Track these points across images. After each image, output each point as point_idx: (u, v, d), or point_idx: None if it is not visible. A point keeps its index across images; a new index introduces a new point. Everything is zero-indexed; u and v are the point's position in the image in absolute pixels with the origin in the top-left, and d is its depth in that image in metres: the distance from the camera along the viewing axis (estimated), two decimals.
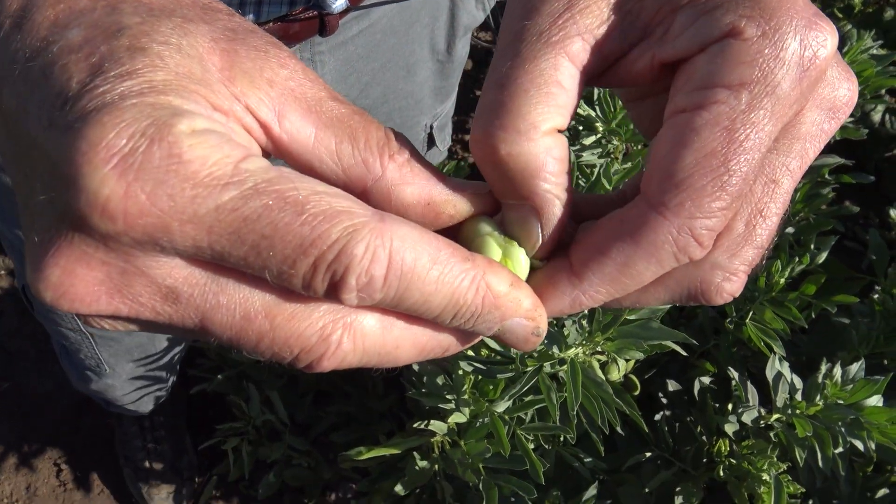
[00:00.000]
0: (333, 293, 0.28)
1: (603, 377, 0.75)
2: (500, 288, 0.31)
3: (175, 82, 0.28)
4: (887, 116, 1.91)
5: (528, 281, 0.34)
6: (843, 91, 0.33)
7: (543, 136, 0.32)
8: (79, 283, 0.28)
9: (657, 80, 0.33)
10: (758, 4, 0.30)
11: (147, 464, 1.71)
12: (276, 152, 0.32)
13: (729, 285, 0.34)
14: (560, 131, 0.33)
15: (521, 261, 0.34)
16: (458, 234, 0.35)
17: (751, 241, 0.33)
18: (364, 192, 0.32)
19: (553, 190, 0.33)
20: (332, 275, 0.28)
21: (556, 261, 0.34)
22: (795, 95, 0.30)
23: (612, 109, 1.02)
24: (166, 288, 0.29)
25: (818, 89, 0.32)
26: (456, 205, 0.33)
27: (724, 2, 0.31)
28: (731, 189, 0.30)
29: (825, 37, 0.30)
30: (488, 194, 0.34)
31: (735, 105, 0.30)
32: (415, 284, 0.29)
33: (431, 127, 1.07)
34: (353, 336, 0.31)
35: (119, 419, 1.74)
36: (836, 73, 0.33)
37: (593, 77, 0.34)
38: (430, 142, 1.09)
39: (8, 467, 1.78)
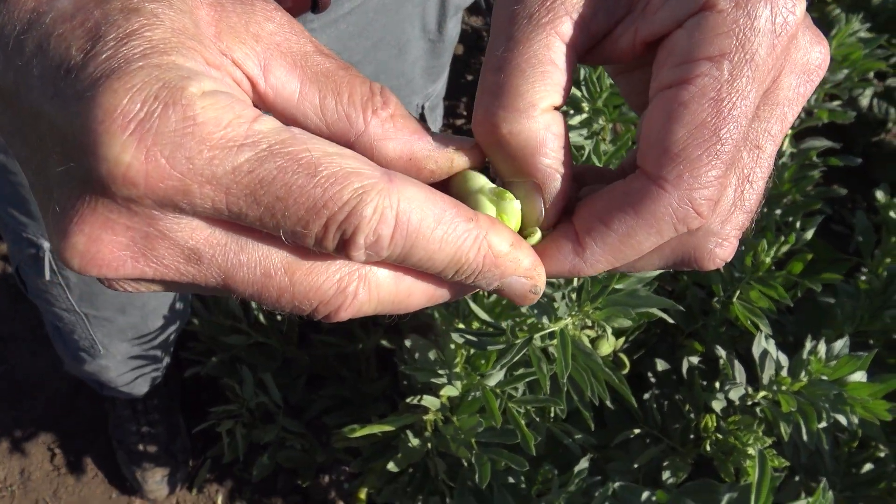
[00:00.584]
0: (343, 250, 0.30)
1: (592, 349, 0.76)
2: (502, 247, 0.32)
3: (174, 40, 0.29)
4: (875, 100, 1.93)
5: (532, 243, 0.35)
6: (815, 54, 0.34)
7: (542, 113, 0.33)
8: (105, 249, 0.29)
9: (641, 56, 0.35)
10: None
11: (141, 447, 1.71)
12: (263, 106, 0.33)
13: (721, 251, 0.35)
14: (557, 108, 0.34)
15: (515, 212, 0.35)
16: (449, 188, 0.36)
17: (740, 206, 0.34)
18: (348, 147, 0.32)
19: (553, 164, 0.34)
20: (343, 234, 0.29)
21: (560, 227, 0.35)
22: (772, 61, 0.32)
23: (598, 89, 1.03)
24: (189, 249, 0.30)
25: (792, 54, 0.33)
26: (437, 160, 0.34)
27: None
28: (724, 157, 0.31)
29: (794, 2, 0.32)
30: (473, 148, 0.35)
31: (718, 76, 0.31)
32: (420, 243, 0.30)
33: (423, 107, 1.08)
34: (368, 287, 0.32)
35: (113, 403, 1.74)
36: (808, 37, 0.34)
37: (582, 54, 0.35)
38: (422, 122, 1.10)
39: (1, 452, 1.79)
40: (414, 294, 0.34)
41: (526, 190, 0.35)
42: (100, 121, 0.27)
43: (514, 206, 0.35)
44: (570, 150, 0.35)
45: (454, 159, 0.34)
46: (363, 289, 0.32)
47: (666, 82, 0.32)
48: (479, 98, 0.34)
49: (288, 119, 0.33)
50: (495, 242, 0.32)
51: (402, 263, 0.31)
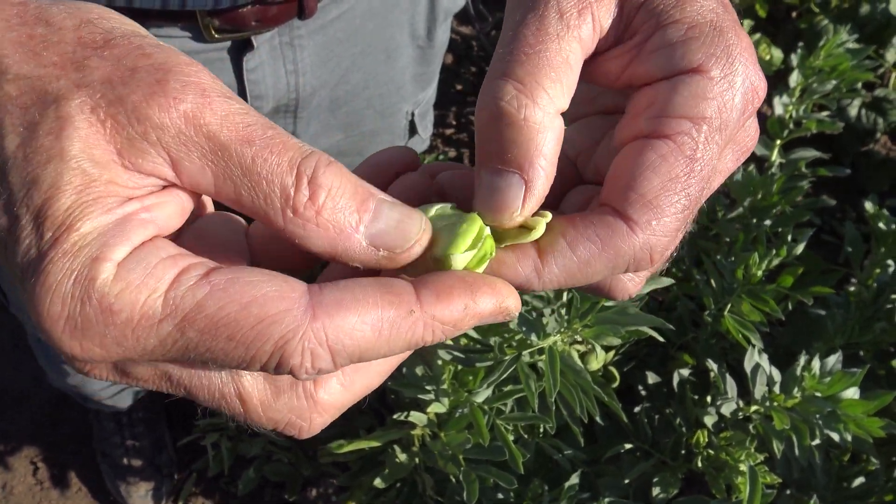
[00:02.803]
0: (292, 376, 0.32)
1: (582, 366, 0.75)
2: (454, 316, 0.32)
3: (78, 203, 0.29)
4: (863, 111, 1.94)
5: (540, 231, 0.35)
6: (751, 140, 0.38)
7: (556, 114, 0.34)
8: (91, 370, 0.32)
9: (614, 86, 0.37)
10: (726, 48, 0.34)
11: (125, 461, 1.69)
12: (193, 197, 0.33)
13: (633, 287, 0.39)
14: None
15: (484, 239, 0.35)
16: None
17: (664, 259, 0.38)
18: (273, 234, 0.33)
19: (547, 168, 0.34)
20: (281, 372, 0.31)
21: (521, 246, 0.35)
22: (733, 131, 0.35)
23: None
24: (160, 372, 0.33)
25: (739, 133, 0.36)
26: (363, 261, 0.33)
27: (701, 36, 0.34)
28: (686, 213, 0.34)
29: (762, 90, 0.35)
30: (409, 251, 0.34)
31: (696, 137, 0.34)
32: (368, 354, 0.31)
33: (413, 114, 1.07)
34: (321, 410, 0.35)
35: (97, 416, 1.72)
36: (755, 123, 0.37)
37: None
38: (412, 129, 1.09)
39: None
40: (371, 384, 0.36)
41: (509, 182, 0.35)
42: (37, 315, 0.30)
43: (484, 232, 0.35)
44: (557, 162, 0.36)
45: (380, 264, 0.33)
46: (316, 415, 0.34)
47: (644, 131, 0.34)
48: (498, 75, 0.34)
49: (206, 225, 0.35)
50: (447, 316, 0.32)
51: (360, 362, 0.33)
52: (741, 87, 0.34)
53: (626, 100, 0.38)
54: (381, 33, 0.90)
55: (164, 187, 0.32)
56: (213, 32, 0.75)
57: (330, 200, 0.32)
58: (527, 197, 0.34)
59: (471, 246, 0.34)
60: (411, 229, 0.33)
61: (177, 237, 0.35)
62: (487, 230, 0.35)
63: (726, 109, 0.34)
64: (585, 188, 0.40)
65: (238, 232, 0.37)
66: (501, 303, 0.33)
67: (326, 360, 0.30)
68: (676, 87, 0.34)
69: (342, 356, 0.30)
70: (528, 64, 0.34)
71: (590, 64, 0.36)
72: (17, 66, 0.30)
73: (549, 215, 0.35)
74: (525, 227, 0.35)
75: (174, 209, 0.32)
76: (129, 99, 0.30)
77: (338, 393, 0.35)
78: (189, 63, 0.32)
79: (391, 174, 0.39)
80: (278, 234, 0.32)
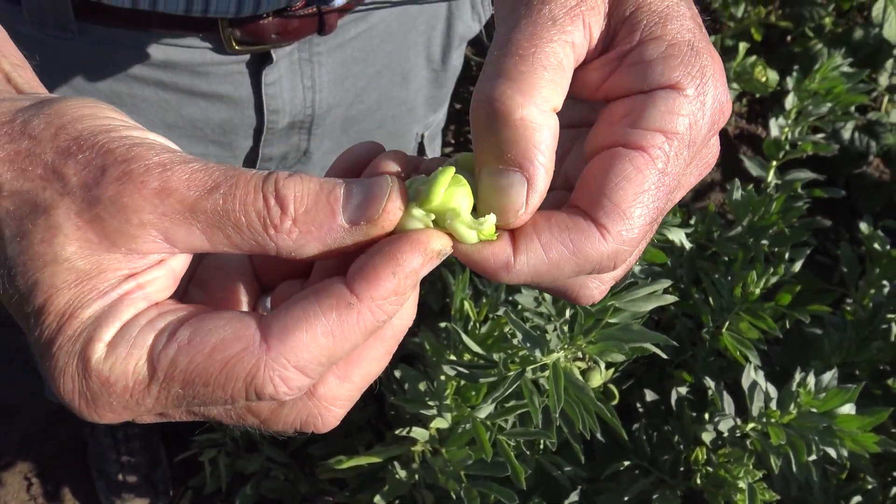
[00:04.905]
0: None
1: (584, 382, 0.76)
2: (389, 288, 0.34)
3: (76, 297, 0.34)
4: (856, 134, 1.96)
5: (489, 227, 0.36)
6: (712, 157, 0.39)
7: (551, 113, 0.35)
8: (122, 419, 0.36)
9: (595, 97, 0.38)
10: (701, 69, 0.36)
11: (121, 477, 1.68)
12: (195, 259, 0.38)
13: (598, 293, 0.41)
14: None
15: (458, 190, 0.36)
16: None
17: (626, 266, 0.40)
18: (274, 258, 0.36)
19: (546, 164, 0.36)
20: (263, 399, 0.34)
21: (502, 235, 0.37)
22: (699, 147, 0.37)
23: None
24: (185, 409, 0.36)
25: (703, 150, 0.38)
26: (356, 239, 0.35)
27: (680, 54, 0.36)
28: (654, 224, 0.36)
29: (728, 110, 0.37)
30: (385, 213, 0.35)
31: (668, 150, 0.36)
32: (334, 355, 0.34)
33: (423, 136, 1.08)
34: (329, 405, 0.37)
35: (92, 431, 1.71)
36: (717, 141, 0.39)
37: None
38: (421, 151, 1.10)
39: None
40: (369, 376, 0.38)
41: (510, 181, 0.36)
42: (57, 391, 0.35)
43: (446, 185, 0.36)
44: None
45: (369, 234, 0.35)
46: (325, 411, 0.37)
47: (622, 140, 0.36)
48: (493, 77, 0.36)
49: (217, 260, 0.39)
50: (383, 293, 0.34)
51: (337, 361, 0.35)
52: (711, 106, 0.36)
53: (593, 114, 0.40)
54: (398, 55, 0.92)
55: (160, 260, 0.36)
56: (234, 44, 0.76)
57: (300, 205, 0.35)
58: (529, 194, 0.36)
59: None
60: (379, 192, 0.35)
61: (193, 269, 0.40)
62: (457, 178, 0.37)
63: (696, 126, 0.36)
64: (554, 194, 0.41)
65: (242, 256, 0.41)
66: (426, 250, 0.35)
67: (299, 378, 0.34)
68: (654, 100, 0.36)
69: (311, 368, 0.34)
70: (523, 64, 0.35)
71: (576, 74, 0.38)
72: (9, 183, 0.35)
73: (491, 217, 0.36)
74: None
75: (166, 280, 0.36)
76: (104, 196, 0.34)
77: (336, 386, 0.37)
78: (150, 146, 0.35)
79: (361, 167, 0.41)
80: (276, 255, 0.35)
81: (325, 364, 0.34)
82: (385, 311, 0.34)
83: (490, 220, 0.36)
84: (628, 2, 0.37)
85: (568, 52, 0.36)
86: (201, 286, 0.41)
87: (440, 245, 0.35)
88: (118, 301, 0.34)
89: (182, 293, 0.40)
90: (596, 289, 0.40)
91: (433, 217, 0.36)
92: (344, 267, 0.36)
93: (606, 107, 0.38)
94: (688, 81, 0.36)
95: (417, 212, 0.36)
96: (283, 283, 0.40)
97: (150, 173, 0.34)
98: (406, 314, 0.38)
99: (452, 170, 0.36)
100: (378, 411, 1.59)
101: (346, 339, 0.34)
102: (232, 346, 0.33)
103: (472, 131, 0.37)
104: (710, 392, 1.12)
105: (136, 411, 0.35)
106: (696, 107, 0.36)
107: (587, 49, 0.38)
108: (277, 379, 0.33)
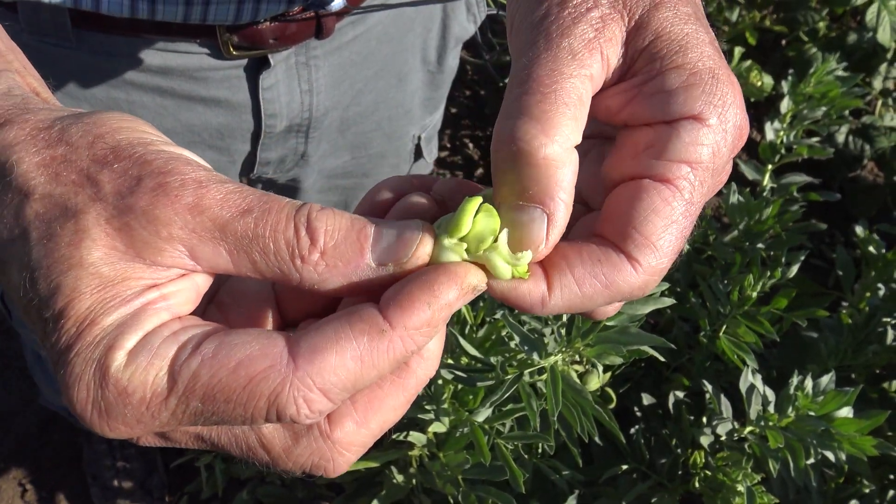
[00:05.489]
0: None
1: (582, 385, 0.76)
2: (424, 319, 0.34)
3: (98, 302, 0.33)
4: (850, 137, 1.97)
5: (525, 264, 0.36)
6: (725, 175, 0.40)
7: (572, 149, 0.36)
8: (127, 433, 0.35)
9: (615, 121, 0.39)
10: (723, 97, 0.37)
11: (116, 483, 1.67)
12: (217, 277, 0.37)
13: (611, 311, 0.42)
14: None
15: (488, 223, 0.36)
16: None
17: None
18: (295, 289, 0.36)
19: (567, 200, 0.36)
20: (283, 420, 0.33)
21: (534, 269, 0.37)
22: (720, 171, 0.38)
23: None
24: (192, 434, 0.36)
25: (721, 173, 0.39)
26: (381, 283, 0.35)
27: (702, 83, 0.36)
28: (678, 251, 0.37)
29: (745, 135, 0.38)
30: (415, 256, 0.36)
31: (693, 181, 0.36)
32: (359, 383, 0.33)
33: (419, 138, 1.08)
34: (342, 449, 0.37)
35: (87, 437, 1.70)
36: (731, 163, 0.40)
37: None
38: (418, 153, 1.10)
39: None
40: (386, 424, 0.38)
41: (532, 217, 0.36)
42: (69, 401, 0.34)
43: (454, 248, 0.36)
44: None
45: (394, 276, 0.35)
46: (338, 454, 0.37)
47: (648, 172, 0.36)
48: (516, 115, 0.36)
49: (241, 285, 0.38)
50: (416, 323, 0.34)
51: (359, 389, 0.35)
52: (732, 133, 0.37)
53: (601, 126, 0.41)
54: (395, 57, 0.92)
55: (183, 275, 0.35)
56: (231, 49, 0.76)
57: (330, 239, 0.35)
58: (549, 230, 0.36)
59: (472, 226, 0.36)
60: (411, 237, 0.35)
61: (215, 290, 0.40)
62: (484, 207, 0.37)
63: (719, 154, 0.36)
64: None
65: (265, 283, 0.40)
66: (463, 284, 0.35)
67: (321, 401, 0.33)
68: (678, 132, 0.36)
69: (335, 392, 0.33)
70: (545, 103, 0.35)
71: (593, 98, 0.38)
72: (41, 186, 0.35)
73: (528, 255, 0.36)
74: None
75: (189, 294, 0.36)
76: (137, 206, 0.34)
77: (353, 432, 0.36)
78: (187, 162, 0.36)
79: (388, 205, 0.41)
80: (297, 286, 0.35)
81: (350, 390, 0.33)
82: (416, 341, 0.34)
83: (526, 257, 0.36)
84: (647, 30, 0.37)
85: (587, 85, 0.36)
86: (221, 309, 0.40)
87: (476, 280, 0.35)
88: (141, 310, 0.34)
89: (201, 312, 0.39)
90: (612, 307, 0.41)
91: (466, 247, 0.36)
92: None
93: (626, 133, 0.38)
94: (710, 111, 0.36)
95: (449, 241, 0.36)
96: (306, 320, 0.40)
97: (186, 188, 0.34)
98: (430, 365, 0.38)
99: (479, 199, 0.36)
100: None
101: (374, 367, 0.33)
102: (258, 362, 0.33)
103: (493, 168, 0.37)
104: (707, 395, 1.12)
105: (150, 426, 0.34)
106: (720, 136, 0.36)
107: (605, 78, 0.38)
108: (301, 400, 0.32)
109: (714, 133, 0.36)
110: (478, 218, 0.36)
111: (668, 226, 0.36)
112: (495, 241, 0.36)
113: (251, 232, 0.34)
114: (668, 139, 0.36)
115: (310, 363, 0.32)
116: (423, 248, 0.35)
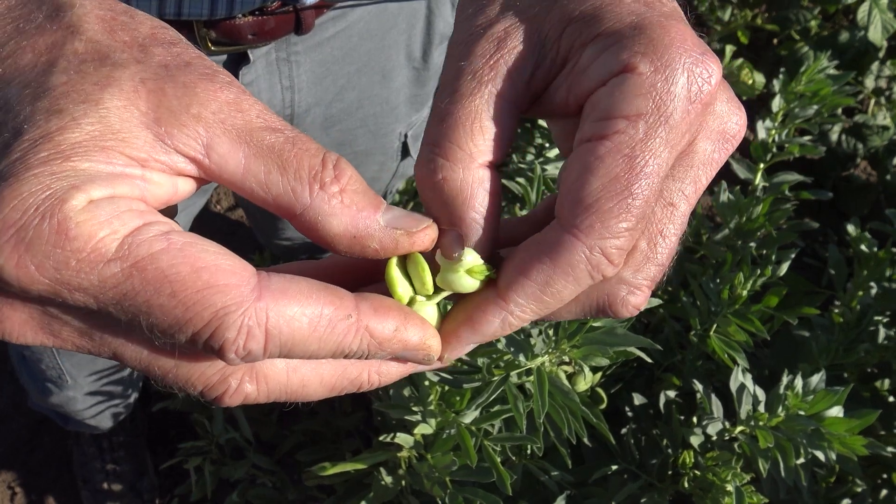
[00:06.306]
0: (217, 356, 0.31)
1: (570, 386, 0.75)
2: (385, 334, 0.34)
3: (87, 143, 0.30)
4: (843, 136, 1.97)
5: (459, 307, 0.37)
6: (731, 124, 0.36)
7: (478, 167, 0.35)
8: (6, 321, 0.32)
9: (574, 113, 0.37)
10: (651, 42, 0.33)
11: (106, 485, 1.66)
12: (211, 180, 0.34)
13: (634, 298, 0.37)
14: (494, 164, 0.36)
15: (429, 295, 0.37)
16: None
17: (653, 258, 0.36)
18: (293, 219, 0.34)
19: (478, 219, 0.35)
20: (210, 348, 0.31)
21: (482, 291, 0.36)
22: (686, 125, 0.34)
23: None
24: (81, 328, 0.32)
25: (708, 121, 0.36)
26: (382, 241, 0.35)
27: (622, 38, 0.34)
28: (634, 211, 0.33)
29: (710, 73, 0.34)
30: (424, 230, 0.35)
31: (633, 134, 0.33)
32: (297, 347, 0.32)
33: (406, 136, 1.07)
34: (256, 377, 0.34)
35: (77, 440, 1.69)
36: (726, 107, 0.36)
37: (524, 109, 0.37)
38: (405, 151, 1.09)
39: None
40: (309, 384, 0.35)
41: (450, 239, 0.36)
42: None
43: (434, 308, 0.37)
44: (499, 210, 0.37)
45: (399, 241, 0.35)
46: (249, 378, 0.34)
47: (585, 136, 0.34)
48: (422, 145, 0.36)
49: (236, 191, 0.34)
50: (378, 330, 0.33)
51: (287, 357, 0.33)
52: (679, 76, 0.33)
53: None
54: (378, 53, 0.91)
55: (170, 173, 0.33)
56: (210, 45, 0.75)
57: (352, 184, 0.34)
58: (466, 246, 0.36)
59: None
60: (421, 217, 0.35)
61: None
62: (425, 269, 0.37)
63: (665, 101, 0.33)
64: None
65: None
66: (426, 340, 0.35)
67: (258, 343, 0.31)
68: (609, 89, 0.34)
69: (274, 343, 0.31)
70: (442, 126, 0.35)
71: (541, 103, 0.37)
72: (92, 32, 0.33)
73: (491, 271, 0.36)
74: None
75: (166, 192, 0.33)
76: (179, 78, 0.33)
77: (279, 370, 0.34)
78: (234, 80, 0.35)
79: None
80: (301, 214, 0.33)
81: (284, 350, 0.32)
82: (362, 345, 0.33)
83: (468, 254, 0.36)
84: (554, 21, 0.36)
85: (493, 101, 0.35)
86: None
87: (435, 346, 0.36)
88: (120, 175, 0.31)
89: None
90: (630, 294, 0.37)
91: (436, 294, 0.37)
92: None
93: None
94: (638, 60, 0.33)
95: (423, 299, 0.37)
96: None
97: (231, 88, 0.33)
98: (376, 380, 0.37)
99: (394, 259, 0.36)
100: (366, 418, 1.58)
101: (319, 340, 0.32)
102: (225, 276, 0.30)
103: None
104: (698, 395, 1.11)
105: (62, 282, 0.29)
106: (657, 80, 0.33)
107: (522, 84, 0.36)
108: (245, 330, 0.30)
109: (649, 80, 0.33)
110: (409, 267, 0.37)
111: (606, 184, 0.33)
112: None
113: (279, 146, 0.33)
114: (601, 98, 0.34)
115: (273, 300, 0.31)
116: (431, 230, 0.35)
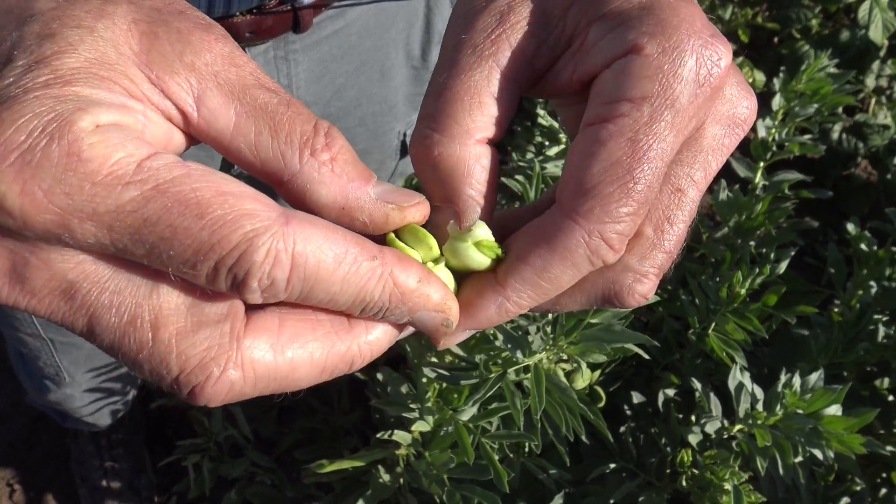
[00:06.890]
0: (237, 292, 0.29)
1: (567, 384, 0.75)
2: (409, 284, 0.32)
3: (85, 69, 0.28)
4: (844, 135, 1.97)
5: (457, 294, 0.35)
6: (741, 108, 0.35)
7: (475, 143, 0.34)
8: (42, 217, 0.27)
9: (578, 93, 0.35)
10: (660, 23, 0.32)
11: (104, 483, 1.66)
12: (198, 138, 0.32)
13: (640, 287, 0.35)
14: (491, 141, 0.34)
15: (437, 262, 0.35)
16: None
17: (660, 246, 0.35)
18: (280, 186, 0.32)
19: (475, 196, 0.34)
20: (234, 277, 0.28)
21: (480, 275, 0.35)
22: (693, 109, 0.32)
23: None
24: (66, 282, 0.29)
25: (717, 105, 0.34)
26: (371, 213, 0.33)
27: (629, 19, 0.33)
28: (636, 196, 0.32)
29: (720, 55, 0.32)
30: (415, 206, 0.34)
31: (638, 117, 0.32)
32: (320, 285, 0.30)
33: (405, 134, 1.07)
34: (242, 362, 0.31)
35: (75, 437, 1.69)
36: (735, 91, 0.35)
37: (526, 88, 0.36)
38: (404, 150, 1.09)
39: None
40: (300, 367, 0.32)
41: (445, 217, 0.35)
42: None
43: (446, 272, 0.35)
44: (496, 188, 0.35)
45: (389, 215, 0.33)
46: (234, 365, 0.30)
47: (589, 119, 0.33)
48: (418, 119, 0.35)
49: (223, 152, 0.32)
50: (402, 279, 0.32)
51: (304, 302, 0.31)
52: (688, 58, 0.32)
53: None
54: (377, 52, 0.91)
55: (163, 116, 0.31)
56: None
57: (343, 154, 0.32)
58: (462, 227, 0.34)
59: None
60: (413, 192, 0.34)
61: None
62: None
63: (671, 84, 0.32)
64: None
65: None
66: (447, 300, 0.33)
67: (284, 271, 0.28)
68: (614, 71, 0.33)
69: (298, 274, 0.29)
70: (439, 100, 0.34)
71: (544, 83, 0.36)
72: None
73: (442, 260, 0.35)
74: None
75: (163, 136, 0.31)
76: (173, 24, 0.30)
77: (263, 350, 0.31)
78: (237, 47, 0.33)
79: None
80: (289, 181, 0.31)
81: (308, 285, 0.29)
82: (385, 293, 0.31)
83: (478, 227, 0.35)
84: (559, 2, 0.34)
85: (494, 76, 0.34)
86: None
87: (454, 311, 0.34)
88: (122, 105, 0.29)
89: None
90: (636, 282, 0.35)
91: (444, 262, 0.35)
92: None
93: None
94: (645, 41, 0.32)
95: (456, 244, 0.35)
96: None
97: (227, 41, 0.31)
98: (367, 351, 0.34)
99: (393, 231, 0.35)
100: (364, 415, 1.58)
101: (342, 279, 0.30)
102: (250, 201, 0.28)
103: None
104: (697, 394, 1.11)
105: (74, 209, 0.26)
106: (664, 62, 0.32)
107: (524, 59, 0.35)
108: (273, 254, 0.28)
109: (655, 62, 0.32)
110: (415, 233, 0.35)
111: (607, 168, 0.31)
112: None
113: (272, 107, 0.31)
114: (606, 81, 0.33)
115: (300, 228, 0.29)
116: (423, 206, 0.34)
